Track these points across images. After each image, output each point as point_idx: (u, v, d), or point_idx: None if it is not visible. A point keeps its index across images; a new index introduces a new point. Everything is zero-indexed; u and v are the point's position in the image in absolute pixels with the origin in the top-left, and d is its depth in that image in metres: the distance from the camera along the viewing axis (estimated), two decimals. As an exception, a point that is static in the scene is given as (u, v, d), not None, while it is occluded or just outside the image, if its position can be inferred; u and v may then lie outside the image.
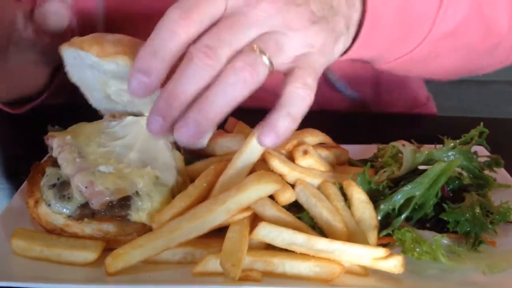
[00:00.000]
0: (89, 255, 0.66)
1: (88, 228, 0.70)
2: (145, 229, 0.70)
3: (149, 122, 0.60)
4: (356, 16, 0.70)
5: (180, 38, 0.59)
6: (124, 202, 0.68)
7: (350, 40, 0.71)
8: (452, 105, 4.71)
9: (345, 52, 0.73)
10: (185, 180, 0.75)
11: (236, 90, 0.59)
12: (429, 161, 0.75)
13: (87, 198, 0.66)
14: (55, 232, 0.70)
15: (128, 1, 1.05)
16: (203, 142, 0.61)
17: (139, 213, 0.68)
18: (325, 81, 1.15)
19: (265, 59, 0.59)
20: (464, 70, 1.00)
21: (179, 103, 0.59)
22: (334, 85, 1.17)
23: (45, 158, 0.81)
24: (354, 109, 1.22)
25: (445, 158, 0.74)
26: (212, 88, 0.59)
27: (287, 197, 0.69)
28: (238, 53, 0.59)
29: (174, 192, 0.71)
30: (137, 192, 0.68)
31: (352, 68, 1.15)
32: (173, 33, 0.58)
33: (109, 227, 0.70)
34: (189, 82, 0.59)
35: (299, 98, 0.60)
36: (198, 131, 0.59)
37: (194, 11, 0.59)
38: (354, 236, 0.67)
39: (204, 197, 0.70)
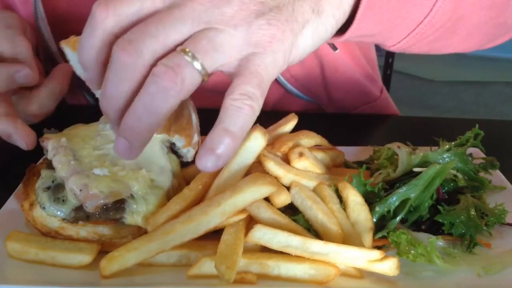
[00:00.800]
0: (84, 258, 0.66)
1: (83, 231, 0.70)
2: (140, 231, 0.70)
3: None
4: None
5: (98, 33, 0.53)
6: (119, 205, 0.68)
7: (329, 23, 0.59)
8: (450, 106, 4.73)
9: (342, 32, 0.64)
10: (180, 183, 0.75)
11: (156, 100, 0.51)
12: (425, 163, 0.75)
13: (81, 201, 0.66)
14: (50, 235, 0.70)
15: (65, 2, 1.03)
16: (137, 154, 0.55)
17: (134, 216, 0.68)
18: (277, 83, 1.14)
19: (194, 62, 0.51)
20: (494, 30, 0.82)
21: (111, 107, 0.54)
22: (285, 87, 1.15)
23: (40, 161, 0.81)
24: (310, 111, 1.21)
25: (440, 160, 0.75)
26: (135, 98, 0.52)
27: (282, 199, 0.69)
28: (163, 55, 0.52)
29: (170, 195, 0.71)
30: (132, 195, 0.68)
31: (300, 70, 1.13)
32: (90, 28, 0.53)
33: (104, 230, 0.70)
34: (113, 85, 0.53)
35: (236, 112, 0.52)
36: (127, 146, 0.53)
37: (117, 2, 0.53)
38: (349, 238, 0.67)
39: (199, 200, 0.70)
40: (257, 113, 0.53)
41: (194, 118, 0.74)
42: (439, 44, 0.76)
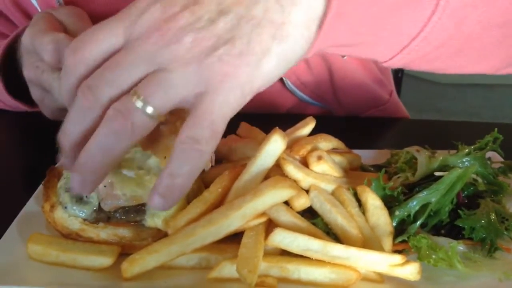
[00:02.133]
0: (105, 260, 0.66)
1: (103, 233, 0.70)
2: (160, 234, 0.70)
3: None
4: (297, 16, 0.54)
5: (69, 79, 0.56)
6: (140, 207, 0.68)
7: (298, 45, 0.56)
8: (457, 109, 4.71)
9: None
10: (199, 186, 0.75)
11: (108, 142, 0.53)
12: (444, 167, 0.75)
13: (101, 198, 0.66)
14: (70, 237, 0.70)
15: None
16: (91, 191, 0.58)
17: (154, 219, 0.68)
18: (285, 89, 1.14)
19: (144, 106, 0.52)
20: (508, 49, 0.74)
21: (68, 143, 0.56)
22: (295, 94, 1.15)
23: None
24: (321, 114, 1.21)
25: (460, 164, 0.74)
26: (91, 138, 0.54)
27: (301, 202, 0.69)
28: (119, 97, 0.53)
29: (189, 199, 0.71)
30: None
31: (310, 76, 1.13)
32: (64, 73, 0.56)
33: (124, 232, 0.70)
34: (71, 124, 0.55)
35: (183, 156, 0.53)
36: (81, 181, 0.55)
37: (85, 47, 0.55)
38: (369, 242, 0.67)
39: (219, 203, 0.70)
40: (207, 155, 0.54)
41: None
42: (443, 64, 0.72)
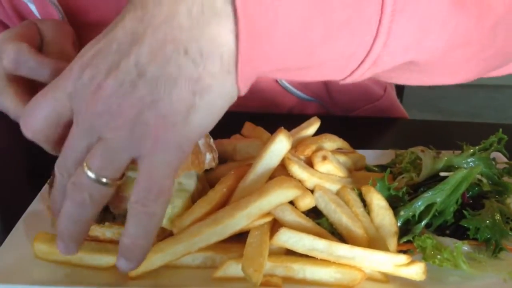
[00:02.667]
0: (111, 259, 0.66)
1: (109, 232, 0.70)
2: (165, 233, 0.70)
3: None
4: (212, 66, 0.52)
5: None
6: None
7: (225, 91, 0.53)
8: (460, 109, 4.70)
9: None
10: (204, 186, 0.75)
11: (74, 213, 0.56)
12: (448, 168, 0.75)
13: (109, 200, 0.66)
14: None
15: (84, 9, 1.03)
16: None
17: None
18: (283, 89, 1.14)
19: (96, 176, 0.53)
20: (487, 63, 0.69)
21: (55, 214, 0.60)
22: (290, 91, 1.16)
23: None
24: (320, 113, 1.20)
25: (465, 165, 0.74)
26: (61, 211, 0.57)
27: (307, 202, 0.69)
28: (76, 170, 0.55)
29: (194, 198, 0.71)
30: None
31: None
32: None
33: None
34: (54, 196, 0.59)
35: (136, 221, 0.55)
36: (64, 247, 0.58)
37: (33, 119, 0.56)
38: (374, 242, 0.67)
39: (224, 202, 0.71)
40: (159, 215, 0.55)
41: (201, 141, 0.73)
42: (406, 80, 0.69)
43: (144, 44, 0.51)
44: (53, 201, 0.60)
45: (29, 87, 0.78)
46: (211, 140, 0.76)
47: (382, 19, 0.54)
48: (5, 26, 1.14)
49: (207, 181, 0.77)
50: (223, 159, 0.80)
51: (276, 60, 0.55)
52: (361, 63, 0.58)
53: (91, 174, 0.53)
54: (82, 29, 0.96)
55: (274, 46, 0.53)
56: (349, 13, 0.53)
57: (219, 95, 0.53)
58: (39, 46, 0.80)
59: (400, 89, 2.37)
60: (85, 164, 0.53)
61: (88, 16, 1.02)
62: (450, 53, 0.62)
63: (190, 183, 0.72)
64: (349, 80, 0.62)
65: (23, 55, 0.73)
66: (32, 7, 1.05)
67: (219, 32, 0.50)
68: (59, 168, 0.56)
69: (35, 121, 0.56)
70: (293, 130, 0.82)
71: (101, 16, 0.99)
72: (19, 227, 0.73)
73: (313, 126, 0.82)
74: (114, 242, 0.69)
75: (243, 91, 0.55)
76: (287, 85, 1.15)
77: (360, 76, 0.60)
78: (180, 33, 0.50)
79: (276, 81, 1.14)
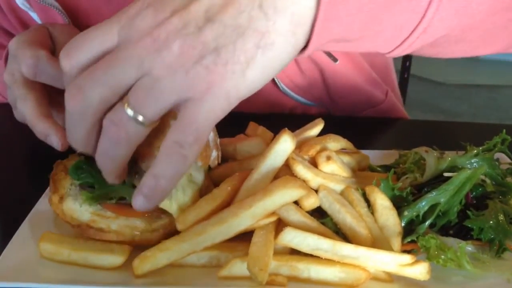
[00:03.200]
0: (116, 259, 0.66)
1: (114, 224, 0.70)
2: (171, 226, 0.71)
3: None
4: (282, 24, 0.54)
5: (66, 82, 0.57)
6: None
7: (285, 52, 0.56)
8: (462, 109, 4.69)
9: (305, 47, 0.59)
10: (209, 184, 0.76)
11: (110, 151, 0.56)
12: (452, 168, 0.75)
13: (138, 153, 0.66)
14: (80, 228, 0.71)
15: (86, 13, 1.04)
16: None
17: (172, 202, 0.68)
18: (280, 91, 1.15)
19: (135, 115, 0.53)
20: None
21: (75, 146, 0.59)
22: (291, 96, 1.16)
23: (69, 157, 0.82)
24: (323, 113, 1.22)
25: (469, 165, 0.75)
26: (97, 147, 0.58)
27: (311, 202, 0.70)
28: (114, 105, 0.55)
29: (202, 193, 0.72)
30: None
31: (303, 80, 1.14)
32: (65, 80, 0.57)
33: (136, 223, 0.71)
34: (69, 129, 0.58)
35: (167, 160, 0.55)
36: (107, 176, 0.60)
37: (77, 48, 0.56)
38: (378, 242, 0.67)
39: (228, 201, 0.71)
40: (190, 160, 0.55)
41: (212, 135, 0.74)
42: (447, 50, 0.71)
43: None
44: (70, 134, 0.58)
45: (47, 94, 0.80)
46: (218, 139, 0.77)
47: None
48: (8, 34, 1.14)
49: (210, 180, 0.77)
50: (224, 158, 0.80)
51: (345, 27, 0.58)
52: (413, 30, 0.60)
53: (130, 112, 0.53)
54: None
55: (347, 10, 0.56)
56: None
57: (279, 54, 0.55)
58: (52, 51, 0.82)
59: (403, 90, 2.37)
60: (126, 101, 0.53)
61: (90, 20, 1.03)
62: (491, 17, 0.65)
63: (199, 176, 0.72)
64: (396, 53, 0.65)
65: (42, 62, 0.75)
66: (34, 15, 1.05)
67: None
68: (83, 91, 0.54)
69: (78, 51, 0.55)
70: (297, 131, 0.83)
71: (104, 19, 1.00)
72: (25, 226, 0.73)
73: (317, 127, 0.83)
74: (119, 235, 0.70)
75: (306, 55, 0.58)
76: (288, 90, 1.15)
77: (408, 46, 0.63)
78: None
79: (277, 86, 1.14)
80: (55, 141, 0.75)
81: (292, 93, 1.15)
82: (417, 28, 0.61)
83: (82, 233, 0.71)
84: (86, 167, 0.74)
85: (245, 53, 0.53)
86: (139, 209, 0.58)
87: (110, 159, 0.58)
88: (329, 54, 1.09)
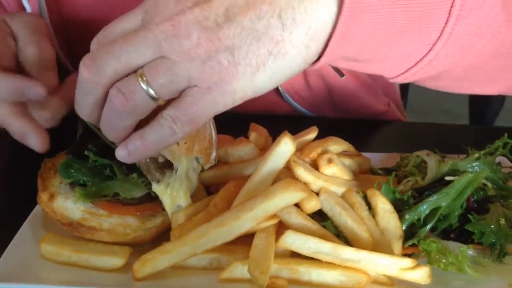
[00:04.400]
0: (117, 261, 0.67)
1: (106, 222, 0.71)
2: (164, 224, 0.72)
3: None
4: (297, 36, 0.56)
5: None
6: (164, 169, 0.70)
7: (294, 62, 0.58)
8: (464, 111, 4.69)
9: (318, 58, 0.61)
10: (200, 187, 0.76)
11: (112, 119, 0.58)
12: (454, 172, 0.75)
13: None
14: (71, 227, 0.71)
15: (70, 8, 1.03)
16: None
17: (167, 189, 0.70)
18: (284, 101, 1.15)
19: (147, 88, 0.55)
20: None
21: (81, 115, 0.61)
22: (292, 106, 1.16)
23: (56, 156, 0.82)
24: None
25: (470, 169, 0.75)
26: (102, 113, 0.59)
27: (312, 205, 0.69)
28: (121, 74, 0.57)
29: (192, 193, 0.73)
30: (176, 170, 0.70)
31: (308, 92, 1.14)
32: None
33: (129, 221, 0.71)
34: (80, 98, 0.59)
35: (157, 127, 0.58)
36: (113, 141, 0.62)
37: (109, 28, 0.59)
38: (379, 245, 0.67)
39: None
40: (177, 137, 0.58)
41: (214, 135, 0.75)
42: (448, 86, 0.75)
43: None
44: (79, 104, 0.60)
45: None
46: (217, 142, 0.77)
47: (448, 21, 0.60)
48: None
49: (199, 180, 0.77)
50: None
51: (357, 47, 0.61)
52: (419, 61, 0.64)
53: (144, 85, 0.55)
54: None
55: (362, 32, 0.58)
56: (424, 10, 0.59)
57: (288, 65, 0.58)
58: (14, 52, 0.79)
59: (404, 91, 2.37)
60: (140, 74, 0.55)
61: (72, 10, 1.02)
62: (493, 60, 0.69)
63: (194, 176, 0.73)
64: (399, 79, 0.68)
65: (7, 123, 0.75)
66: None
67: (316, 8, 0.56)
68: (97, 64, 0.56)
69: (104, 31, 0.58)
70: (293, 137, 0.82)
71: (85, 9, 1.00)
72: (26, 227, 0.73)
73: (310, 134, 0.83)
74: (112, 233, 0.70)
75: (316, 67, 0.61)
76: (294, 103, 1.15)
77: (411, 75, 0.66)
78: None
79: (281, 97, 1.14)
80: (34, 141, 0.73)
81: (297, 105, 1.16)
82: (423, 60, 0.63)
83: (73, 232, 0.71)
84: (75, 165, 0.74)
85: (257, 58, 0.56)
86: (119, 159, 0.60)
87: (113, 128, 0.59)
88: (336, 69, 1.10)
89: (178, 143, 0.69)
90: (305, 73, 1.11)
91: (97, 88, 0.57)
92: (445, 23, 0.60)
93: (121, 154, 0.60)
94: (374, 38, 0.60)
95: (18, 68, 0.78)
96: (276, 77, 0.58)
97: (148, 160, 0.69)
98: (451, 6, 0.59)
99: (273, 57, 0.56)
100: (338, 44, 0.58)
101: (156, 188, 0.70)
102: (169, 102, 0.58)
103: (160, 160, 0.69)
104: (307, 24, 0.56)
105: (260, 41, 0.55)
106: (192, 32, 0.54)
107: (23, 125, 0.74)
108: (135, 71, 0.56)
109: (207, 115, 0.58)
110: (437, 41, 0.61)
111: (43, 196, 0.74)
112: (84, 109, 0.60)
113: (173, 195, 0.70)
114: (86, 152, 0.74)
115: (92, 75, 0.56)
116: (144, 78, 0.55)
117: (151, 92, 0.56)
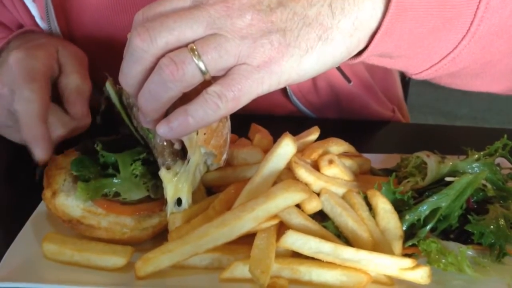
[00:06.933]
0: (119, 260, 0.67)
1: (104, 221, 0.72)
2: (160, 225, 0.73)
3: None
4: (345, 24, 0.59)
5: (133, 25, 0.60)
6: (176, 157, 0.72)
7: (338, 51, 0.60)
8: (463, 112, 4.68)
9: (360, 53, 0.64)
10: (200, 188, 0.77)
11: (158, 89, 0.58)
12: (453, 172, 0.76)
13: None
14: (71, 224, 0.72)
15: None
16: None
17: (174, 177, 0.70)
18: (289, 103, 1.16)
19: (198, 61, 0.57)
20: None
21: (126, 84, 0.61)
22: (298, 108, 1.17)
23: (64, 153, 0.83)
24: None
25: (470, 170, 0.75)
26: (146, 82, 0.59)
27: (313, 206, 0.70)
28: (173, 48, 0.58)
29: (194, 193, 0.73)
30: (188, 161, 0.71)
31: (315, 96, 1.15)
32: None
33: (126, 221, 0.72)
34: (127, 65, 0.59)
35: (202, 103, 0.58)
36: (143, 120, 0.62)
37: (158, 4, 0.60)
38: (379, 245, 0.68)
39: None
40: (221, 113, 0.58)
41: (228, 137, 0.76)
42: (463, 83, 0.78)
43: None
44: (125, 73, 0.60)
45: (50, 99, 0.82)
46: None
47: (474, 21, 0.64)
48: (4, 26, 1.13)
49: (202, 181, 0.78)
50: None
51: (396, 43, 0.63)
52: (443, 58, 0.67)
53: (195, 57, 0.56)
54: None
55: (403, 29, 0.61)
56: (455, 12, 0.63)
57: (333, 52, 0.60)
58: (55, 77, 0.85)
59: (404, 92, 2.36)
60: (192, 47, 0.57)
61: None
62: (506, 59, 0.73)
63: (198, 176, 0.74)
64: (422, 75, 0.71)
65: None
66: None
67: (366, 2, 0.59)
68: (150, 33, 0.56)
69: (161, 7, 0.59)
70: (295, 138, 0.82)
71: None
72: (28, 227, 0.74)
73: (312, 135, 0.83)
74: (109, 232, 0.71)
75: (356, 62, 0.64)
76: (300, 105, 1.16)
77: (434, 71, 0.69)
78: None
79: (288, 98, 1.15)
80: (38, 152, 0.76)
81: (304, 108, 1.17)
82: (447, 57, 0.67)
83: (73, 229, 0.72)
84: (88, 163, 0.76)
85: (306, 41, 0.58)
86: (161, 135, 0.61)
87: (155, 98, 0.59)
88: (343, 75, 1.12)
89: (197, 132, 0.70)
90: (313, 78, 1.11)
91: (147, 57, 0.58)
92: (471, 23, 0.64)
93: (162, 130, 0.60)
94: (411, 35, 0.63)
95: (55, 93, 0.84)
96: (321, 62, 0.60)
97: (165, 142, 0.69)
98: (477, 8, 0.63)
99: (322, 42, 0.59)
100: (381, 39, 0.61)
101: (164, 174, 0.71)
102: (214, 80, 0.59)
103: (176, 146, 0.71)
104: (354, 15, 0.59)
105: (310, 26, 0.58)
106: (245, 13, 0.57)
107: (40, 133, 0.78)
108: (186, 46, 0.57)
109: (252, 94, 0.59)
110: (462, 39, 0.65)
111: (47, 193, 0.75)
112: (129, 77, 0.60)
113: (177, 186, 0.71)
114: (95, 145, 0.76)
115: (143, 42, 0.57)
116: (196, 52, 0.56)
117: (201, 65, 0.57)
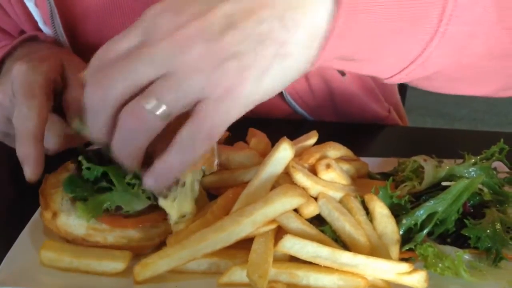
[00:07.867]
0: (118, 265, 0.67)
1: (110, 236, 0.71)
2: (166, 234, 0.72)
3: None
4: (300, 36, 0.57)
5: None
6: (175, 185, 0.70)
7: (299, 62, 0.58)
8: (462, 114, 4.68)
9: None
10: (201, 192, 0.77)
11: (125, 140, 0.57)
12: (450, 177, 0.76)
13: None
14: (76, 242, 0.71)
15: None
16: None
17: (174, 203, 0.70)
18: (284, 103, 1.16)
19: (157, 108, 0.54)
20: (509, 79, 0.76)
21: (99, 139, 0.60)
22: (294, 110, 1.17)
23: (57, 170, 0.82)
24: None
25: (466, 174, 0.76)
26: (114, 136, 0.58)
27: (311, 210, 0.70)
28: (133, 97, 0.56)
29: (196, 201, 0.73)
30: (184, 183, 0.70)
31: (310, 96, 1.15)
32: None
33: (132, 233, 0.72)
34: (91, 120, 0.58)
35: (179, 151, 0.57)
36: (124, 165, 0.60)
37: (108, 47, 0.58)
38: (376, 250, 0.68)
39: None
40: (200, 152, 0.58)
41: (214, 144, 0.75)
42: (441, 86, 0.75)
43: (242, 2, 0.55)
44: (90, 124, 0.59)
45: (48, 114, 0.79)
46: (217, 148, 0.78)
47: (441, 21, 0.60)
48: (6, 33, 1.14)
49: (201, 184, 0.77)
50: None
51: (355, 46, 0.61)
52: (412, 62, 0.64)
53: (152, 104, 0.54)
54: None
55: (360, 30, 0.58)
56: (418, 11, 0.59)
57: (293, 66, 0.58)
58: (59, 89, 0.82)
59: (402, 94, 2.37)
60: (148, 93, 0.55)
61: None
62: (486, 61, 0.69)
63: (197, 185, 0.73)
64: (394, 80, 0.67)
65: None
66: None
67: (317, 8, 0.56)
68: (105, 91, 0.55)
69: (104, 50, 0.58)
70: (293, 142, 0.83)
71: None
72: (26, 233, 0.74)
73: (311, 139, 0.84)
74: (116, 247, 0.70)
75: (313, 68, 0.60)
76: (297, 106, 1.16)
77: (405, 75, 0.66)
78: (280, 0, 0.56)
79: (283, 99, 1.15)
80: (27, 172, 0.74)
81: (299, 108, 1.17)
82: (416, 60, 0.63)
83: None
84: (79, 180, 0.74)
85: (264, 59, 0.56)
86: (150, 188, 0.60)
87: (126, 150, 0.58)
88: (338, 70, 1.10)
89: None
90: (307, 76, 1.11)
91: (106, 108, 0.56)
92: (438, 24, 0.60)
93: (149, 183, 0.59)
94: (370, 37, 0.60)
95: (56, 104, 0.82)
96: (283, 78, 0.58)
97: None
98: (445, 6, 0.60)
99: (279, 59, 0.56)
100: (336, 43, 0.58)
101: (163, 203, 0.70)
102: (180, 117, 0.57)
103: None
104: (308, 24, 0.57)
105: (265, 44, 0.55)
106: (194, 45, 0.54)
107: (31, 153, 0.74)
108: (142, 90, 0.56)
109: (223, 125, 0.57)
110: (431, 41, 0.61)
111: (46, 214, 0.73)
112: (96, 131, 0.59)
113: (179, 207, 0.70)
114: (79, 158, 0.73)
115: (98, 96, 0.56)
116: (153, 96, 0.55)
117: (161, 111, 0.55)
